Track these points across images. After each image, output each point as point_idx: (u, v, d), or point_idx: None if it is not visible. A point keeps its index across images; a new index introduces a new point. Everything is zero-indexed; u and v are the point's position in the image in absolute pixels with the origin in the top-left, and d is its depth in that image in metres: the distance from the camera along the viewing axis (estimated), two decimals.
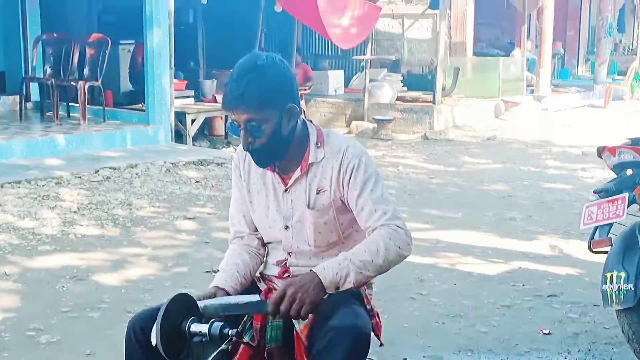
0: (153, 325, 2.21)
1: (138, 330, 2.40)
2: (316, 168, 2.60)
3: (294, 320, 2.45)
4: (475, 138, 12.50)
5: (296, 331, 2.48)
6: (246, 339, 2.49)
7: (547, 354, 4.15)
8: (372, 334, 2.53)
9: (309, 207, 2.59)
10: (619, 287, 3.55)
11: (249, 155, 2.60)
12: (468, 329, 4.49)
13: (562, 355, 4.13)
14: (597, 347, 4.22)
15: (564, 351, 4.18)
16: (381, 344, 2.72)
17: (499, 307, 4.86)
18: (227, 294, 2.52)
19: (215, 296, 2.47)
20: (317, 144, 2.60)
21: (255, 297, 2.35)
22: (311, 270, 2.37)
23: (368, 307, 2.61)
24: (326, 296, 2.35)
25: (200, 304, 2.30)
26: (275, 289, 2.62)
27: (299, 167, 2.60)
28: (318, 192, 2.60)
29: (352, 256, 2.38)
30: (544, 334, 4.41)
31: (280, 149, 2.54)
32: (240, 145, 2.64)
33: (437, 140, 12.28)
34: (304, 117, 2.65)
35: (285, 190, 2.64)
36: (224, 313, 2.35)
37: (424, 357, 4.08)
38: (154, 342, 2.20)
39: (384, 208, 2.50)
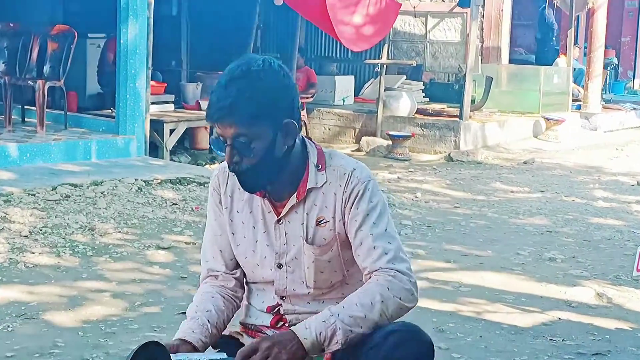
0: None
1: None
2: (316, 194, 2.57)
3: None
4: (509, 161, 12.49)
5: None
6: None
7: None
8: None
9: (307, 241, 2.56)
10: None
11: (233, 177, 2.57)
12: None
13: None
14: None
15: None
16: None
17: None
18: (194, 348, 2.47)
19: (177, 350, 2.43)
20: (317, 166, 2.58)
21: (221, 355, 2.32)
22: (290, 329, 2.35)
23: None
24: None
25: None
26: None
27: (296, 193, 2.57)
28: (318, 224, 2.57)
29: (340, 311, 2.36)
30: None
31: (273, 172, 2.51)
32: (220, 165, 2.64)
33: (464, 162, 12.27)
34: (303, 136, 2.62)
35: (278, 220, 2.60)
36: None
37: None
38: None
39: (385, 247, 2.48)
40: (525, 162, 12.40)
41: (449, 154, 12.62)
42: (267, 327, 2.65)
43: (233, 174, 2.52)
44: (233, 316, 2.70)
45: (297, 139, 2.54)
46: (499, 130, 13.82)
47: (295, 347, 2.29)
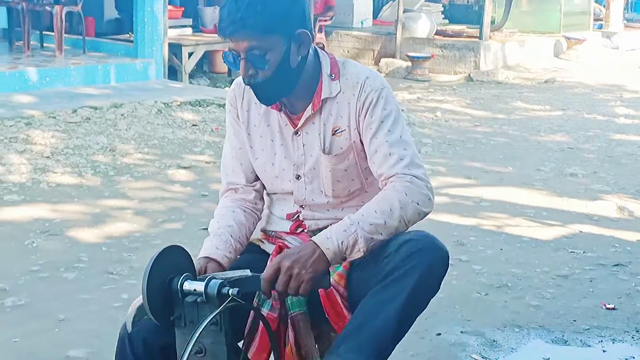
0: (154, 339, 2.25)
1: (129, 329, 2.33)
2: (331, 104, 2.54)
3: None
4: (530, 81, 12.39)
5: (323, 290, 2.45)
6: (265, 310, 2.45)
7: (611, 332, 4.11)
8: None
9: (324, 151, 2.54)
10: None
11: (248, 91, 2.55)
12: (516, 301, 4.45)
13: (628, 334, 4.08)
14: None
15: (632, 329, 4.13)
16: None
17: (554, 277, 4.81)
18: (220, 264, 2.48)
19: (204, 269, 2.43)
20: (331, 75, 2.54)
21: (245, 272, 2.31)
22: (311, 239, 2.33)
23: None
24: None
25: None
26: (288, 248, 2.59)
27: (311, 104, 2.54)
28: (334, 133, 2.54)
29: (360, 219, 2.34)
30: (607, 309, 4.37)
31: (288, 83, 2.47)
32: (237, 80, 2.60)
33: (484, 82, 12.19)
34: (315, 45, 2.59)
35: (296, 132, 2.57)
36: None
37: (461, 332, 4.05)
38: (136, 304, 2.19)
39: (401, 153, 2.45)
40: (546, 81, 12.30)
41: (469, 74, 12.52)
42: (287, 233, 2.64)
43: (249, 88, 2.50)
44: (255, 228, 2.70)
45: (310, 49, 2.50)
46: (520, 50, 13.68)
47: (316, 261, 2.27)
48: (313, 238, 2.32)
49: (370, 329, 2.28)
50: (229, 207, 2.64)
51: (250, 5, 2.32)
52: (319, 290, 2.43)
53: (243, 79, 2.46)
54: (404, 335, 2.37)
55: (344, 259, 2.33)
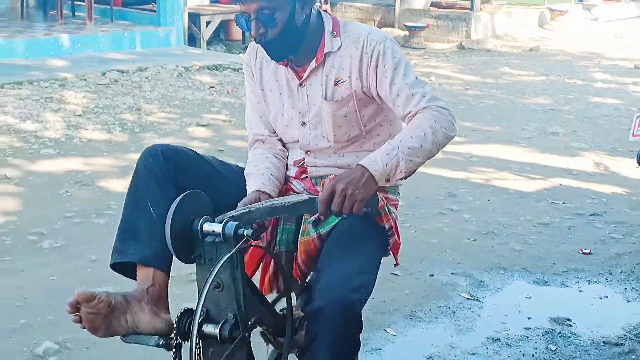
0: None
1: (160, 155, 2.39)
2: (333, 58, 2.53)
3: (302, 230, 2.47)
4: (516, 49, 12.30)
5: (300, 240, 2.47)
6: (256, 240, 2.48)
7: (587, 274, 4.13)
8: (392, 254, 2.55)
9: (325, 98, 2.54)
10: None
11: (260, 51, 2.56)
12: (501, 246, 4.47)
13: (602, 276, 4.11)
14: None
15: (605, 272, 4.16)
16: (396, 264, 2.68)
17: (536, 225, 4.83)
18: (270, 197, 2.49)
19: (259, 199, 2.44)
20: (332, 32, 2.54)
21: (302, 197, 2.30)
22: (358, 164, 2.31)
23: (387, 226, 2.56)
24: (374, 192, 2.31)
25: (245, 208, 2.27)
26: (294, 190, 2.62)
27: (314, 58, 2.54)
28: (336, 84, 2.54)
29: (399, 144, 2.32)
30: (584, 253, 4.39)
31: (295, 40, 2.47)
32: (251, 43, 2.58)
33: (474, 50, 12.10)
34: (318, 7, 2.58)
35: (300, 84, 2.57)
36: (272, 216, 2.31)
37: (452, 273, 4.07)
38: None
39: (422, 91, 2.44)
40: (530, 49, 12.20)
41: (461, 43, 12.42)
42: (293, 177, 2.67)
43: (261, 49, 2.50)
44: (286, 171, 2.71)
45: (313, 9, 2.50)
46: (507, 21, 13.56)
47: (367, 182, 2.24)
48: (360, 162, 2.30)
49: None
50: (262, 154, 2.64)
51: None
52: (310, 232, 2.46)
53: (254, 39, 2.45)
54: None
55: (388, 180, 2.32)
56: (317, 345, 2.24)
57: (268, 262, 2.55)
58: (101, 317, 2.20)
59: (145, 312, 2.25)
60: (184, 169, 2.41)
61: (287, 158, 2.70)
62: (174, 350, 2.20)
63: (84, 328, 2.19)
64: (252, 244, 2.34)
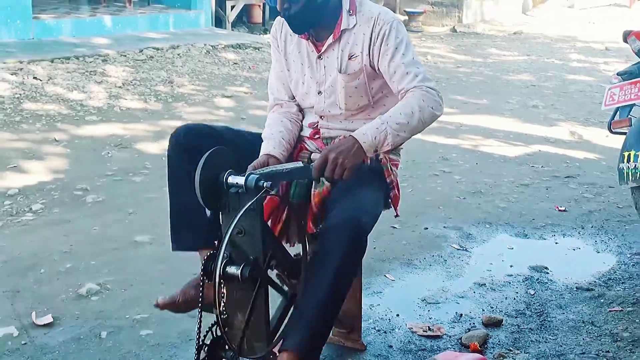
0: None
1: (182, 137, 2.42)
2: (348, 35, 2.49)
3: (315, 183, 2.43)
4: (502, 32, 12.14)
5: (315, 191, 2.44)
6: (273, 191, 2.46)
7: (562, 228, 4.08)
8: (390, 207, 2.53)
9: (340, 71, 2.50)
10: (635, 165, 3.42)
11: (285, 26, 2.52)
12: (487, 204, 4.43)
13: (575, 230, 4.06)
14: (610, 224, 4.14)
15: (578, 227, 4.11)
16: (397, 215, 2.65)
17: (518, 185, 4.78)
18: (278, 160, 2.46)
19: (267, 163, 2.41)
20: (349, 11, 2.49)
21: (298, 164, 2.28)
22: (350, 135, 2.28)
23: (388, 180, 2.53)
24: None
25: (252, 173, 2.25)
26: (307, 149, 2.58)
27: (332, 34, 2.49)
28: (350, 58, 2.49)
29: (389, 119, 2.29)
30: (559, 210, 4.34)
31: (315, 15, 2.43)
32: (277, 18, 2.54)
33: (466, 33, 11.95)
34: None
35: (319, 56, 2.53)
36: (272, 181, 2.29)
37: (444, 227, 4.03)
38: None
39: (416, 70, 2.40)
40: (514, 33, 12.04)
41: (454, 27, 12.27)
42: (308, 137, 2.63)
43: (285, 23, 2.47)
44: (299, 133, 2.67)
45: None
46: (494, 7, 13.38)
47: (356, 151, 2.23)
48: (352, 134, 2.27)
49: (311, 310, 2.21)
50: (277, 118, 2.61)
51: None
52: (314, 189, 2.44)
53: (279, 12, 2.42)
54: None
55: (376, 151, 2.29)
56: (323, 261, 2.22)
57: (281, 213, 2.51)
58: (183, 309, 2.45)
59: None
60: (205, 145, 2.33)
61: (301, 121, 2.66)
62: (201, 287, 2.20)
63: None
64: (271, 193, 2.30)
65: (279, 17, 2.54)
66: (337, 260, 2.20)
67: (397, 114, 2.30)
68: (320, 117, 2.59)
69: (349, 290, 2.30)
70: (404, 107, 2.32)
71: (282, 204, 2.49)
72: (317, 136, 2.61)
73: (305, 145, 2.60)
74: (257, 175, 2.15)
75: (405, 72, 2.39)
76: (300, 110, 2.67)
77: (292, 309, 2.39)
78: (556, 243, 3.91)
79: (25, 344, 2.75)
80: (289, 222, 2.52)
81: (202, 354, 2.26)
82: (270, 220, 2.50)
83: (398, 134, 2.28)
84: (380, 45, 2.43)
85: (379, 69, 2.47)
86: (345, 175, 2.19)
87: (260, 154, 2.46)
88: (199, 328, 2.21)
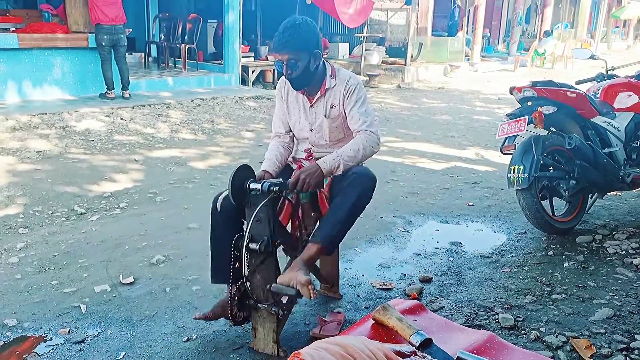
0: (228, 201, 2.22)
1: (217, 206, 2.32)
2: (330, 91, 2.49)
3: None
4: (430, 88, 12.15)
5: (320, 191, 2.42)
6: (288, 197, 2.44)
7: (471, 217, 4.09)
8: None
9: (325, 116, 2.49)
10: (518, 175, 3.45)
11: (288, 84, 2.51)
12: (422, 201, 4.43)
13: (480, 218, 4.07)
14: (502, 214, 4.16)
15: (481, 216, 4.12)
16: None
17: (442, 189, 4.78)
18: (271, 175, 2.45)
19: (264, 176, 2.41)
20: (331, 75, 2.49)
21: (280, 180, 2.28)
22: (315, 163, 2.28)
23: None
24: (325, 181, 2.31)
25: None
26: (304, 167, 2.56)
27: (319, 91, 2.49)
28: (332, 107, 2.49)
29: (342, 153, 2.30)
30: (469, 205, 4.35)
31: (309, 79, 2.42)
32: (282, 78, 2.53)
33: (407, 88, 11.95)
34: (324, 59, 2.52)
35: (311, 106, 2.53)
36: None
37: (393, 216, 4.03)
38: (223, 195, 2.14)
39: (365, 119, 2.40)
40: (439, 88, 12.06)
41: (399, 85, 12.27)
42: (303, 158, 2.62)
43: (287, 81, 2.46)
44: (289, 156, 2.66)
45: (321, 61, 2.44)
46: (425, 72, 13.40)
47: (318, 175, 2.24)
48: (316, 161, 2.29)
49: (335, 220, 2.24)
50: (275, 145, 2.60)
51: (290, 35, 2.28)
52: (319, 190, 2.40)
53: (284, 76, 2.40)
54: (355, 220, 2.31)
55: (331, 174, 2.30)
56: (346, 193, 2.24)
57: (289, 211, 2.47)
58: (212, 320, 2.37)
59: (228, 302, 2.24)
60: (232, 207, 2.26)
61: (292, 148, 2.64)
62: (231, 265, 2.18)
63: None
64: (284, 195, 2.29)
65: (283, 77, 2.54)
66: (357, 191, 2.23)
67: (348, 150, 2.31)
68: (312, 145, 2.59)
69: (362, 212, 2.32)
70: (353, 145, 2.33)
71: (295, 206, 2.45)
72: (310, 158, 2.60)
73: (303, 164, 2.59)
74: (269, 183, 2.16)
75: (359, 118, 2.39)
76: (293, 140, 2.66)
77: (319, 221, 2.39)
78: (467, 227, 3.92)
79: (115, 296, 2.74)
80: (303, 217, 2.49)
81: (235, 302, 2.24)
82: (290, 220, 2.44)
83: (347, 163, 2.30)
84: (348, 98, 2.44)
85: (345, 114, 2.47)
86: (311, 188, 2.22)
87: (260, 169, 2.45)
88: (231, 285, 2.20)
